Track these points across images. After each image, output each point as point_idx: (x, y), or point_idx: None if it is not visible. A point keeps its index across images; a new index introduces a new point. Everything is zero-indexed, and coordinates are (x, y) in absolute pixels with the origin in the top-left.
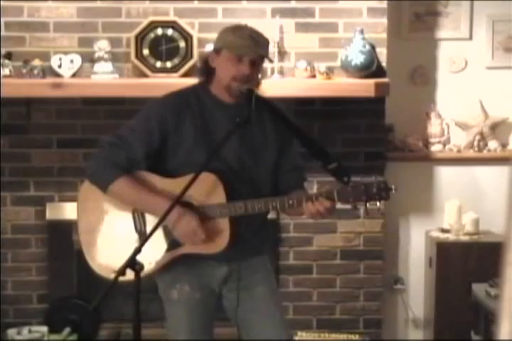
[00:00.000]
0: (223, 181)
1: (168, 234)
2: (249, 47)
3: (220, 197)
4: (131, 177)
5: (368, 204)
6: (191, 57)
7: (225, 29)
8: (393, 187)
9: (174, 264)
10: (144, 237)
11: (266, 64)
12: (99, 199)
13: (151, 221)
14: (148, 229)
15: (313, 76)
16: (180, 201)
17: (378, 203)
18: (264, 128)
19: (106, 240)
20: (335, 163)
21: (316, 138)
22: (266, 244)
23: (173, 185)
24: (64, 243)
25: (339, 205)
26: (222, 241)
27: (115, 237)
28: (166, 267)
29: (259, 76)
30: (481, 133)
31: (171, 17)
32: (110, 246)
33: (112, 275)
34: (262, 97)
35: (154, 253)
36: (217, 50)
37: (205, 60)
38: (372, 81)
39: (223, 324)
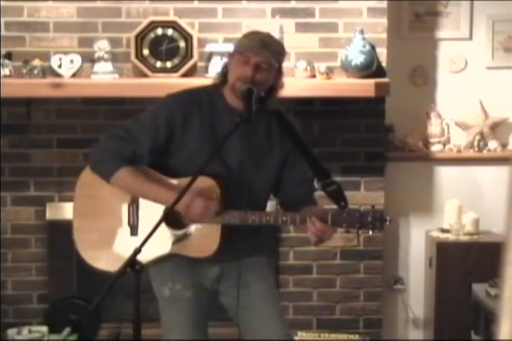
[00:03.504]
0: (221, 186)
1: (164, 231)
2: (255, 49)
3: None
4: (134, 168)
5: (360, 232)
6: (191, 57)
7: (242, 35)
8: (388, 218)
9: (166, 263)
10: (135, 231)
11: None
12: (98, 187)
13: (144, 216)
14: (141, 223)
15: (313, 76)
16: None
17: (371, 232)
18: (271, 138)
19: (98, 228)
20: (334, 186)
21: (319, 157)
22: (263, 246)
23: (174, 186)
24: (64, 243)
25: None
26: (211, 246)
27: (108, 226)
28: (157, 264)
29: (277, 84)
30: (481, 133)
31: (171, 17)
32: (101, 235)
33: (99, 264)
34: (277, 109)
35: (149, 249)
36: (231, 54)
37: (225, 65)
38: (372, 81)
39: (223, 324)
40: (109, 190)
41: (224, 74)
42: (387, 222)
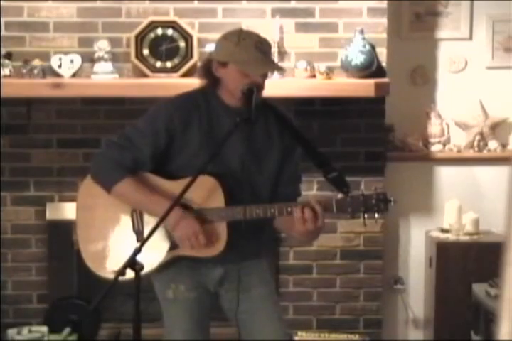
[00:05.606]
0: (223, 185)
1: (167, 234)
2: (259, 63)
3: (219, 201)
4: (135, 179)
5: (366, 215)
6: (191, 57)
7: (226, 38)
8: (392, 199)
9: (170, 265)
10: (141, 237)
11: None
12: (100, 197)
13: (149, 221)
14: (146, 229)
15: (313, 76)
16: (179, 203)
17: (376, 214)
18: (270, 135)
19: (103, 237)
20: (335, 173)
21: (319, 149)
22: (264, 247)
23: (175, 187)
24: (64, 243)
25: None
26: (218, 245)
27: (112, 235)
28: (162, 267)
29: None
30: (481, 133)
31: (171, 17)
32: (107, 244)
33: (106, 273)
34: (271, 104)
35: (153, 253)
36: (222, 62)
37: (206, 66)
38: (372, 81)
39: (223, 324)
40: (111, 198)
41: (212, 79)
42: (392, 203)
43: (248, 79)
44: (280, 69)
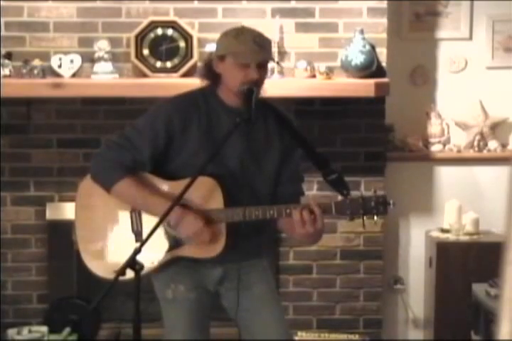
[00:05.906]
0: (222, 186)
1: (166, 234)
2: (255, 54)
3: (218, 202)
4: (134, 178)
5: (365, 218)
6: (191, 57)
7: (226, 34)
8: (391, 202)
9: (170, 265)
10: (139, 237)
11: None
12: (98, 197)
13: (147, 222)
14: (145, 229)
15: (313, 76)
16: (179, 204)
17: (375, 217)
18: (269, 136)
19: (102, 237)
20: (335, 175)
21: (318, 150)
22: (265, 247)
23: (174, 188)
24: (64, 243)
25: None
26: (217, 246)
27: (112, 235)
28: (162, 268)
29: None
30: (481, 133)
31: (171, 17)
32: (106, 244)
33: (106, 273)
34: (271, 104)
35: (152, 253)
36: (221, 57)
37: (208, 64)
38: (372, 81)
39: (223, 324)
40: (110, 198)
41: (213, 76)
42: (391, 206)
43: (245, 72)
44: (273, 60)
